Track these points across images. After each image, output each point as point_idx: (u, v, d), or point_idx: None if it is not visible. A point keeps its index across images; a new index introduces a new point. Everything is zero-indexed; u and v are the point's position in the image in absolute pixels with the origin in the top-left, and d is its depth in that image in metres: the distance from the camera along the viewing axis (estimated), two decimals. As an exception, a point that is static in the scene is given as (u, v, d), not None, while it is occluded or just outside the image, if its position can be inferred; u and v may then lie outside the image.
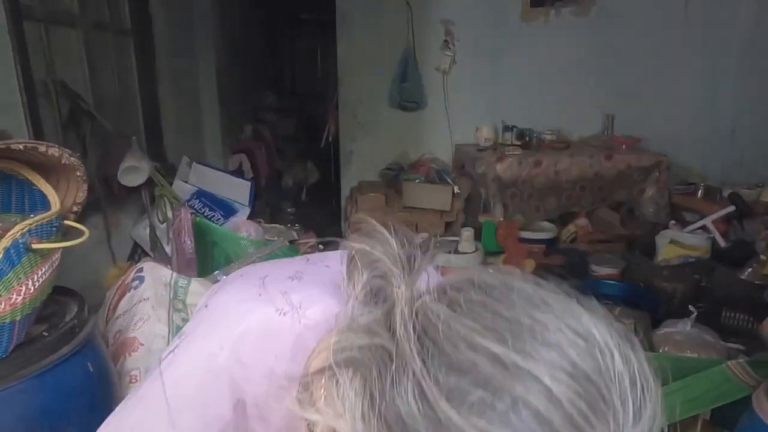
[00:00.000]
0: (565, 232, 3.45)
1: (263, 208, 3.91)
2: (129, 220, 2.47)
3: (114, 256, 2.31)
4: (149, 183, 2.36)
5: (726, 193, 3.29)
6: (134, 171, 2.15)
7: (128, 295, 1.62)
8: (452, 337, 0.36)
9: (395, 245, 0.46)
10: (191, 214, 2.23)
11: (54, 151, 1.07)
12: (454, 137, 3.84)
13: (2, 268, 0.88)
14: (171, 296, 1.64)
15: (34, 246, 0.94)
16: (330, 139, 4.19)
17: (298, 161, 5.50)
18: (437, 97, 3.77)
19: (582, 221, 3.41)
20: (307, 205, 5.03)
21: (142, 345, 1.47)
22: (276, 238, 2.78)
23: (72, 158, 1.13)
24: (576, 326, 0.36)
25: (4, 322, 0.90)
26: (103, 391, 1.15)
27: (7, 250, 0.88)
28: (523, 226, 3.29)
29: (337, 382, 0.41)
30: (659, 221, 3.40)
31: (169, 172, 2.73)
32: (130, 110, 2.65)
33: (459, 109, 3.79)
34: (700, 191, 3.44)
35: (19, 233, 0.91)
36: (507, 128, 3.73)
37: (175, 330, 1.56)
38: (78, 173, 1.18)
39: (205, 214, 2.69)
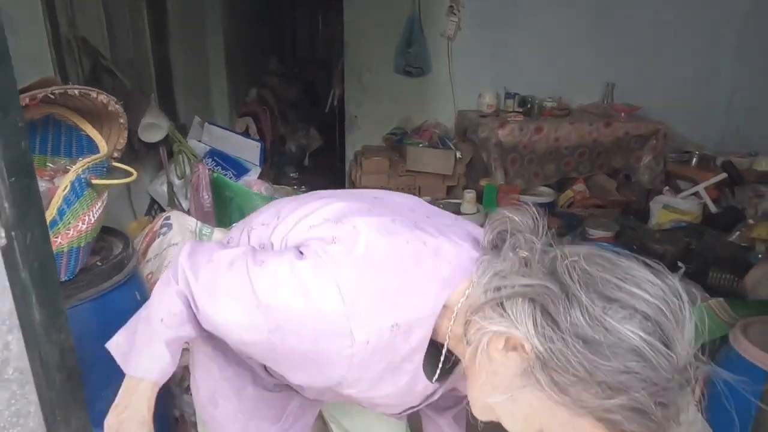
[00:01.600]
0: (563, 197, 3.57)
1: (267, 171, 4.01)
2: (147, 177, 2.57)
3: (134, 209, 2.41)
4: (166, 141, 2.44)
5: (720, 161, 3.41)
6: (153, 128, 2.24)
7: (158, 240, 1.73)
8: (594, 280, 0.60)
9: (530, 217, 0.70)
10: (209, 169, 2.33)
11: (103, 98, 1.17)
12: (458, 103, 3.91)
13: (70, 199, 0.99)
14: (197, 243, 1.76)
15: (94, 181, 1.05)
16: (335, 104, 4.25)
17: (301, 127, 5.56)
18: (441, 63, 3.83)
19: (579, 186, 3.53)
20: (309, 170, 5.12)
21: (174, 284, 1.59)
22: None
23: (117, 105, 1.22)
24: (651, 276, 0.61)
25: (72, 247, 1.02)
26: (147, 319, 1.28)
27: (72, 183, 0.99)
28: (522, 191, 3.41)
29: (503, 305, 0.62)
30: (654, 188, 3.53)
31: (181, 131, 2.81)
32: (143, 70, 2.71)
33: (463, 76, 3.85)
34: (694, 159, 3.56)
35: (81, 169, 1.02)
36: (509, 95, 3.82)
37: (202, 273, 1.68)
38: (121, 120, 1.27)
39: (219, 171, 2.78)
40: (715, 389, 1.50)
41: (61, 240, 0.99)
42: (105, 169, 1.16)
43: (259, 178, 2.91)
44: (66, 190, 0.98)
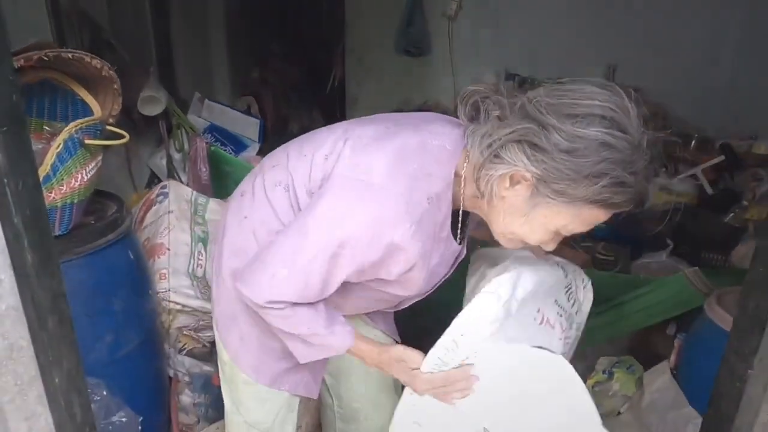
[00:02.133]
0: (560, 178, 3.58)
1: (268, 151, 4.04)
2: (146, 150, 2.62)
3: (134, 182, 2.47)
4: (166, 115, 2.49)
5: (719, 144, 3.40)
6: (152, 101, 2.28)
7: (154, 208, 1.79)
8: (557, 107, 0.77)
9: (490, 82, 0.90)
10: (206, 143, 2.38)
11: (97, 62, 1.21)
12: (458, 84, 3.92)
13: (63, 156, 1.04)
14: (192, 211, 1.81)
15: (87, 141, 1.09)
16: (336, 84, 4.27)
17: (304, 108, 5.58)
18: (442, 44, 3.82)
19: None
20: (311, 151, 5.15)
21: (169, 250, 1.65)
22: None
23: (111, 71, 1.26)
24: (597, 88, 0.79)
25: (66, 202, 1.07)
26: (140, 277, 1.34)
27: (65, 142, 1.04)
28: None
29: (499, 155, 0.81)
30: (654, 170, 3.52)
31: (182, 107, 2.85)
32: (144, 45, 2.75)
33: (463, 56, 3.85)
34: (693, 142, 3.55)
35: (74, 129, 1.06)
36: (509, 76, 3.81)
37: (196, 239, 1.74)
38: (114, 86, 1.32)
39: (218, 147, 2.82)
40: (688, 357, 1.54)
41: (54, 195, 1.04)
42: (99, 132, 1.20)
43: (257, 154, 2.95)
44: (59, 148, 1.02)
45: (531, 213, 0.84)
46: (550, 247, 0.90)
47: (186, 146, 2.46)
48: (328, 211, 0.86)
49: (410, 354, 0.95)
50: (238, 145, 2.88)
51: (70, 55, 1.13)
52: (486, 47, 3.81)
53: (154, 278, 1.56)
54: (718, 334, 1.37)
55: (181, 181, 2.57)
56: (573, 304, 1.09)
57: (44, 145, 1.22)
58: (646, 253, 2.25)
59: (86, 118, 1.12)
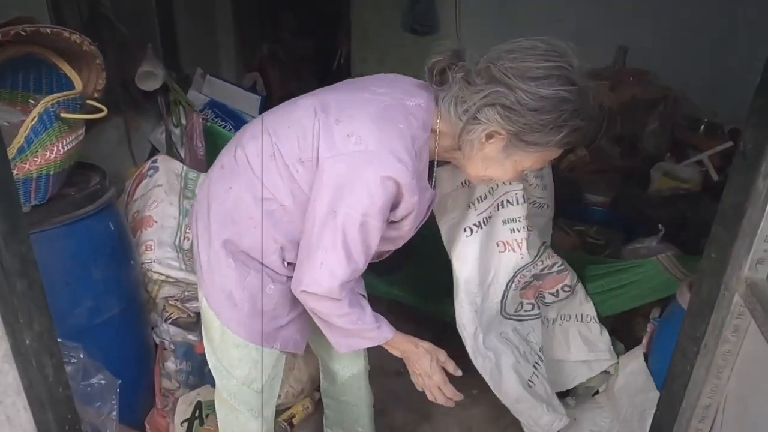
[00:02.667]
0: (563, 161, 3.54)
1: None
2: (148, 126, 2.66)
3: (134, 156, 2.52)
4: (165, 90, 2.52)
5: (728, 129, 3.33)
6: (150, 76, 2.31)
7: (144, 182, 1.84)
8: (520, 70, 0.90)
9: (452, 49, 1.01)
10: (203, 119, 2.41)
11: (76, 37, 1.24)
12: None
13: (38, 129, 1.08)
14: (182, 185, 1.86)
15: (63, 115, 1.13)
16: (342, 61, 4.25)
17: (311, 84, 5.57)
18: (449, 22, 3.77)
19: (581, 152, 3.50)
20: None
21: (156, 222, 1.70)
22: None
23: (91, 46, 1.29)
24: (545, 47, 0.95)
25: (41, 174, 1.12)
26: (121, 248, 1.39)
27: (41, 116, 1.08)
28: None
29: (477, 117, 0.95)
30: (659, 155, 3.47)
31: (184, 83, 2.88)
32: (146, 21, 2.77)
33: (470, 35, 3.79)
34: (702, 127, 3.48)
35: (50, 103, 1.10)
36: (517, 56, 3.76)
37: (184, 213, 1.78)
38: (97, 61, 1.35)
39: (218, 123, 2.86)
40: (658, 342, 1.55)
41: (29, 166, 1.09)
42: (78, 106, 1.24)
43: (258, 131, 2.98)
44: (34, 121, 1.06)
45: (505, 161, 0.99)
46: (517, 182, 1.17)
47: (183, 121, 2.50)
48: (341, 189, 0.94)
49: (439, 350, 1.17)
50: (238, 121, 2.90)
51: (48, 30, 1.16)
52: (494, 27, 3.75)
53: (140, 249, 1.61)
54: (687, 319, 1.38)
55: (180, 156, 2.62)
56: (517, 205, 1.32)
57: (26, 118, 1.26)
58: (638, 239, 2.24)
59: (63, 93, 1.16)
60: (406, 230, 1.07)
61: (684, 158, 3.30)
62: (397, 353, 1.16)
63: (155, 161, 1.87)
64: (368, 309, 1.08)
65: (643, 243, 2.16)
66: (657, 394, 1.41)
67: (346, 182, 0.94)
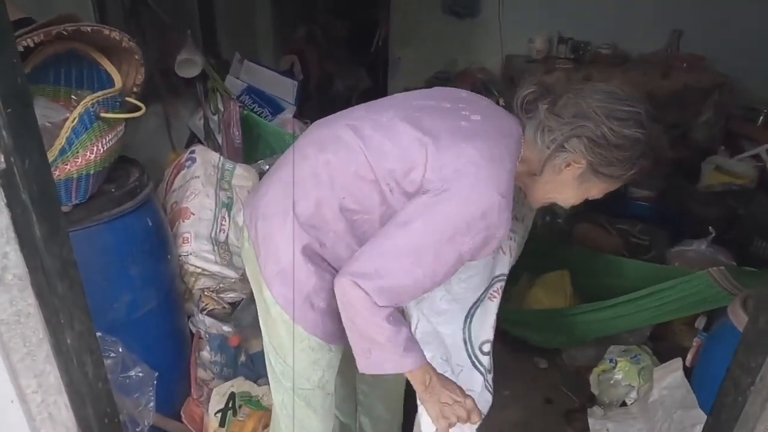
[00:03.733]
0: (607, 151, 3.41)
1: (313, 110, 4.05)
2: (186, 111, 2.69)
3: (173, 142, 2.56)
4: (204, 77, 2.53)
5: (789, 121, 3.12)
6: (189, 64, 2.32)
7: (182, 173, 1.86)
8: (608, 110, 0.98)
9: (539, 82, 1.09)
10: (239, 107, 2.41)
11: (116, 34, 1.24)
12: (506, 47, 3.74)
13: (79, 130, 1.09)
14: (218, 177, 1.87)
15: (102, 115, 1.14)
16: (380, 44, 4.17)
17: (350, 66, 5.51)
18: (491, 4, 3.64)
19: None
20: (355, 111, 5.11)
21: (193, 214, 1.72)
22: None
23: (131, 42, 1.29)
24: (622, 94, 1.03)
25: (81, 174, 1.13)
26: (159, 243, 1.41)
27: (81, 116, 1.09)
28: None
29: (563, 146, 1.02)
30: (712, 146, 3.29)
31: (223, 67, 2.89)
32: (186, 7, 2.78)
33: (513, 18, 3.65)
34: (761, 118, 3.27)
35: (90, 103, 1.11)
36: (562, 40, 3.61)
37: (221, 204, 1.80)
38: (136, 56, 1.35)
39: (255, 109, 2.86)
40: (705, 358, 1.47)
41: (70, 167, 1.10)
42: (118, 104, 1.25)
43: (298, 116, 2.97)
44: (75, 122, 1.07)
45: (577, 186, 1.07)
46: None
47: (221, 108, 2.51)
48: (450, 202, 0.97)
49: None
50: (275, 107, 2.90)
51: (89, 29, 1.16)
52: (538, 9, 3.59)
53: (177, 241, 1.63)
54: (737, 339, 1.31)
55: (217, 143, 2.64)
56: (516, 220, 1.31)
57: (71, 113, 1.28)
58: (685, 240, 2.13)
59: (103, 92, 1.17)
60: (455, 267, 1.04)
61: (739, 151, 3.12)
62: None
63: (193, 152, 1.89)
64: (405, 330, 1.02)
65: (691, 246, 2.05)
66: (700, 412, 1.35)
67: (449, 209, 0.98)
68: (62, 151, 1.09)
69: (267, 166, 2.21)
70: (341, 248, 1.06)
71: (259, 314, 1.19)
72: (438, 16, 3.72)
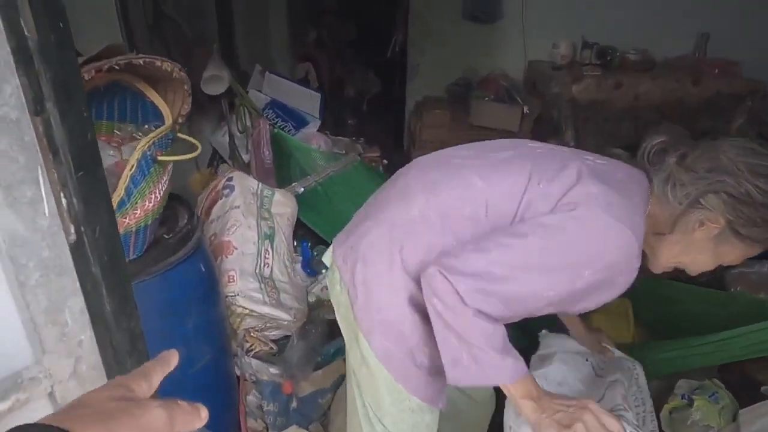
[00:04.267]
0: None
1: (327, 118, 3.93)
2: (208, 127, 2.57)
3: (197, 162, 2.43)
4: (227, 91, 2.41)
5: (825, 127, 3.03)
6: (216, 80, 2.20)
7: (220, 202, 1.73)
8: (750, 165, 0.88)
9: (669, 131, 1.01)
10: (269, 124, 2.29)
11: (167, 65, 1.11)
12: (528, 53, 3.63)
13: (137, 178, 0.97)
14: (258, 205, 1.75)
15: (159, 158, 1.02)
16: (397, 49, 4.05)
17: (360, 70, 5.39)
18: (514, 8, 3.53)
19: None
20: (367, 117, 5.00)
21: (236, 248, 1.60)
22: (344, 152, 2.83)
23: (182, 72, 1.17)
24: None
25: (140, 226, 1.01)
26: (211, 287, 1.29)
27: (139, 162, 0.96)
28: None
29: (699, 201, 0.92)
30: (743, 155, 3.20)
31: (241, 79, 2.76)
32: (206, 17, 2.65)
33: (536, 23, 3.54)
34: (796, 125, 3.18)
35: (147, 146, 0.98)
36: (587, 45, 3.50)
37: (263, 236, 1.68)
38: (185, 87, 1.23)
39: (278, 124, 2.74)
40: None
41: (129, 220, 0.98)
42: (170, 141, 1.13)
43: (318, 130, 2.85)
44: (133, 170, 0.95)
45: (712, 249, 0.95)
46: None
47: (249, 124, 2.39)
48: (578, 225, 0.88)
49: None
50: (299, 121, 2.78)
51: (141, 61, 1.04)
52: (562, 13, 3.49)
53: (222, 280, 1.51)
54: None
55: (243, 160, 2.52)
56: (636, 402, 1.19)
57: (115, 153, 1.16)
58: (746, 261, 2.03)
59: (157, 131, 1.04)
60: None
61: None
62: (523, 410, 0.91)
63: (231, 179, 1.77)
64: (500, 329, 0.87)
65: (753, 268, 1.95)
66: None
67: (574, 232, 0.89)
68: (121, 204, 0.96)
69: (302, 189, 2.10)
70: None
71: (349, 364, 1.07)
72: (458, 21, 3.61)
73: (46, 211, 0.65)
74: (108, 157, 1.15)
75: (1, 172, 0.59)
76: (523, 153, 1.00)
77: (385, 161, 3.43)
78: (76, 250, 0.71)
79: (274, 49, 3.67)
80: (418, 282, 0.92)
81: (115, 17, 1.80)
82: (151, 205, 1.01)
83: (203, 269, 1.24)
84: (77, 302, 0.71)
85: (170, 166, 1.18)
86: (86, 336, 0.73)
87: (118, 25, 1.77)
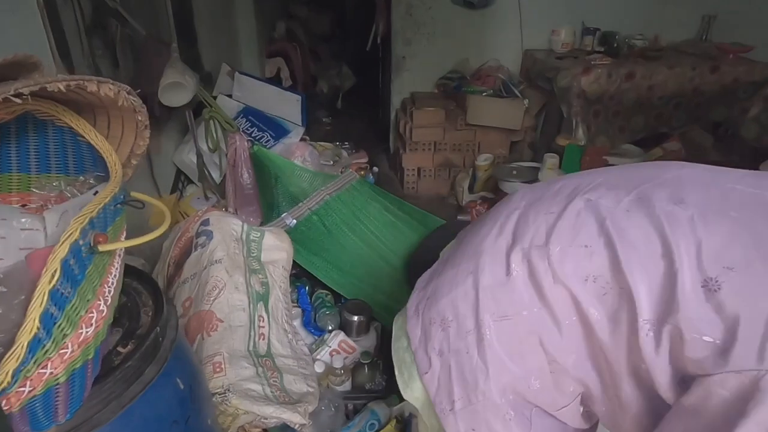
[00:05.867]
0: (649, 156, 3.04)
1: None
2: (170, 144, 2.13)
3: (158, 187, 1.99)
4: (192, 100, 1.97)
5: None
6: (177, 87, 1.76)
7: (195, 254, 1.32)
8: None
9: None
10: (247, 141, 1.88)
11: (107, 88, 0.71)
12: (525, 41, 3.30)
13: (62, 295, 0.55)
14: (245, 254, 1.35)
15: (101, 247, 0.61)
16: (378, 41, 3.64)
17: (333, 64, 4.96)
18: (507, -8, 3.18)
19: (673, 145, 2.99)
20: (342, 114, 4.59)
21: (221, 322, 1.20)
22: (332, 163, 2.43)
23: (131, 98, 0.77)
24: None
25: (74, 370, 0.58)
26: (194, 406, 0.88)
27: (64, 265, 0.55)
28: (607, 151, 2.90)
29: None
30: (761, 146, 2.97)
31: (206, 82, 2.32)
32: (159, 11, 2.18)
33: (532, 8, 3.21)
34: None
35: (78, 231, 0.58)
36: (588, 31, 3.20)
37: (255, 298, 1.28)
38: (139, 118, 0.82)
39: (253, 134, 2.32)
40: None
41: (52, 370, 0.56)
42: (120, 207, 0.72)
43: (301, 140, 2.44)
44: (54, 281, 0.53)
45: None
46: None
47: (221, 143, 1.96)
48: None
49: None
50: (278, 130, 2.37)
51: (62, 86, 0.63)
52: (559, -3, 3.17)
53: (205, 368, 1.11)
54: None
55: (214, 181, 2.09)
56: None
57: (32, 225, 0.75)
58: None
59: (97, 200, 0.64)
60: None
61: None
62: None
63: (206, 223, 1.35)
64: None
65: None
66: None
67: None
68: (35, 344, 0.53)
69: (293, 221, 1.70)
70: (565, 385, 0.73)
71: None
72: (447, 6, 3.24)
73: None
74: (19, 232, 0.74)
75: None
76: (720, 210, 0.64)
77: (375, 169, 3.04)
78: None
79: (243, 45, 3.21)
80: (515, 364, 0.74)
81: (37, 12, 1.35)
82: (91, 331, 0.60)
83: (182, 386, 0.83)
84: None
85: (121, 250, 0.78)
86: None
87: (41, 23, 1.32)
